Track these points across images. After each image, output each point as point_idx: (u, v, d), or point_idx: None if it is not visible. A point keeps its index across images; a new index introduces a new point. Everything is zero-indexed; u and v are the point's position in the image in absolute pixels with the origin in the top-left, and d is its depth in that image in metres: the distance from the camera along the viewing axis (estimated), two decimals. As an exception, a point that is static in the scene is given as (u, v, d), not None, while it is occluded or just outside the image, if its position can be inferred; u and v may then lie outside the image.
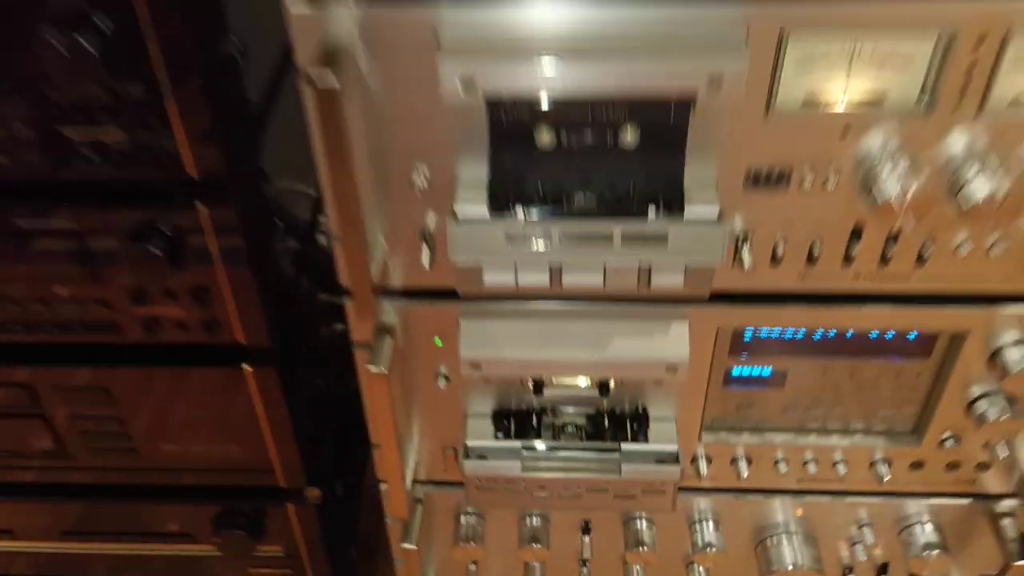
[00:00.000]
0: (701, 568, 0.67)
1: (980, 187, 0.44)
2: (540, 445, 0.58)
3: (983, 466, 0.60)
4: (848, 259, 0.50)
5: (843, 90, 0.44)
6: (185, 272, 0.55)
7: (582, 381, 0.57)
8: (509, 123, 0.44)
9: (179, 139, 0.50)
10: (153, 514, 0.71)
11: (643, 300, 0.52)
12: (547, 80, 0.41)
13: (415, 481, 0.63)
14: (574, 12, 0.41)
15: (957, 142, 0.45)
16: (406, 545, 0.62)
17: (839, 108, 0.44)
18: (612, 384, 0.56)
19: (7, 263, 0.56)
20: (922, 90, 0.43)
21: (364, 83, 0.44)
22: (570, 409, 0.59)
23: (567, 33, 0.41)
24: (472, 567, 0.69)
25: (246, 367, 0.60)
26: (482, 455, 0.58)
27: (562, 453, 0.58)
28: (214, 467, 0.67)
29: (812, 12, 0.41)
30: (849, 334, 0.55)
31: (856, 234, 0.48)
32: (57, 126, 0.50)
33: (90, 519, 0.71)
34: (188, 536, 0.72)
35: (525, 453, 0.58)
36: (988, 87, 0.43)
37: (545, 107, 0.43)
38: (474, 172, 0.46)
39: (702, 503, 0.64)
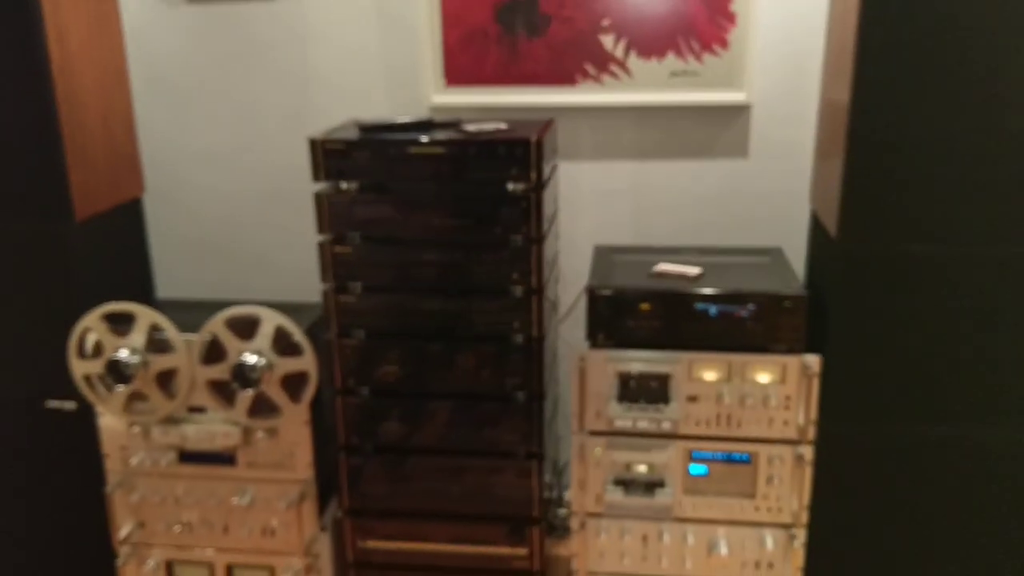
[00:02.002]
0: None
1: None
2: (627, 489, 1.79)
3: (777, 509, 1.77)
4: (718, 424, 1.75)
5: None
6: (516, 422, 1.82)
7: (642, 468, 1.79)
8: (625, 379, 1.74)
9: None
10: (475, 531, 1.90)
11: (657, 435, 1.77)
12: (633, 368, 1.73)
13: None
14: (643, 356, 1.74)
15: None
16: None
17: (710, 379, 1.73)
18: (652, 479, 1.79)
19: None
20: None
21: (588, 368, 1.75)
22: (637, 477, 1.80)
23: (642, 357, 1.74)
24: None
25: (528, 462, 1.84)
26: (608, 492, 1.79)
27: (633, 492, 1.78)
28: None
29: (695, 357, 1.72)
30: (724, 455, 1.77)
31: (719, 416, 1.74)
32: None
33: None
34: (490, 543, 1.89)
35: (621, 489, 1.79)
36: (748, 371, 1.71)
37: (633, 374, 1.73)
38: (613, 392, 1.75)
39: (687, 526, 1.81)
